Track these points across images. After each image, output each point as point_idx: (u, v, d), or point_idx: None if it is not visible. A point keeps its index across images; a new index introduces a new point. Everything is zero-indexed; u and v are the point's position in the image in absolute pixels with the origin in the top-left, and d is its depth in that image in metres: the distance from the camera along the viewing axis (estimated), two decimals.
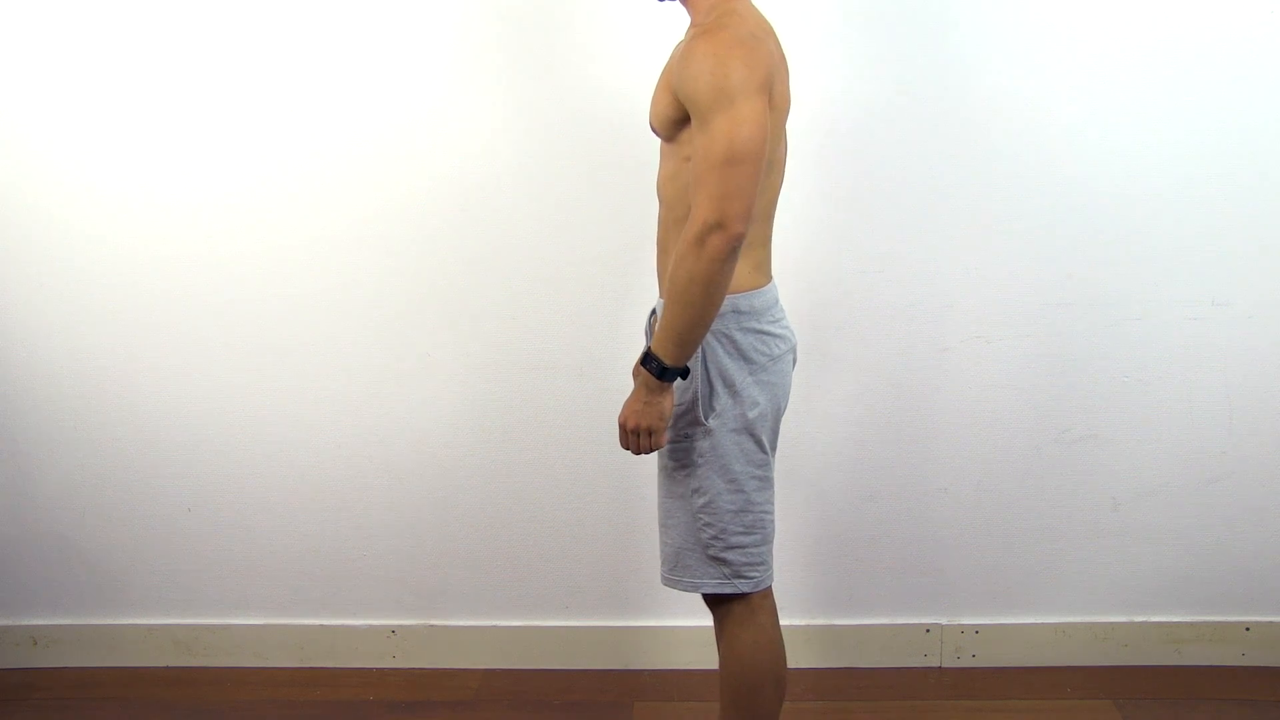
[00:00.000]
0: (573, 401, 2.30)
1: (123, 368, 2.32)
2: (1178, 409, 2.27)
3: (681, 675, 2.38)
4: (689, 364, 1.57)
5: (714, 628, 1.74)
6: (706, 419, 1.61)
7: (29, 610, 2.47)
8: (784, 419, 1.75)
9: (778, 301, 1.68)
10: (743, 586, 1.66)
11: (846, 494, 2.33)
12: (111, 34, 2.17)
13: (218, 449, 2.36)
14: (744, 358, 1.61)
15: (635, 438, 1.61)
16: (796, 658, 2.31)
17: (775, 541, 1.72)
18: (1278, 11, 2.09)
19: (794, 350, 1.71)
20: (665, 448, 1.66)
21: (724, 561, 1.65)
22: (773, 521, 1.70)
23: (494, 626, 2.42)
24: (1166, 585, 2.36)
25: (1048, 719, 2.21)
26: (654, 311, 1.73)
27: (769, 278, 1.67)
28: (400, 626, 2.43)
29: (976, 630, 2.38)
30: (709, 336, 1.59)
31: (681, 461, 1.64)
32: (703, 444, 1.62)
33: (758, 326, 1.62)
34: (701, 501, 1.64)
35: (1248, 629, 2.37)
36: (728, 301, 1.58)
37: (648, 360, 1.54)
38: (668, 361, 1.53)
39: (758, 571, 1.67)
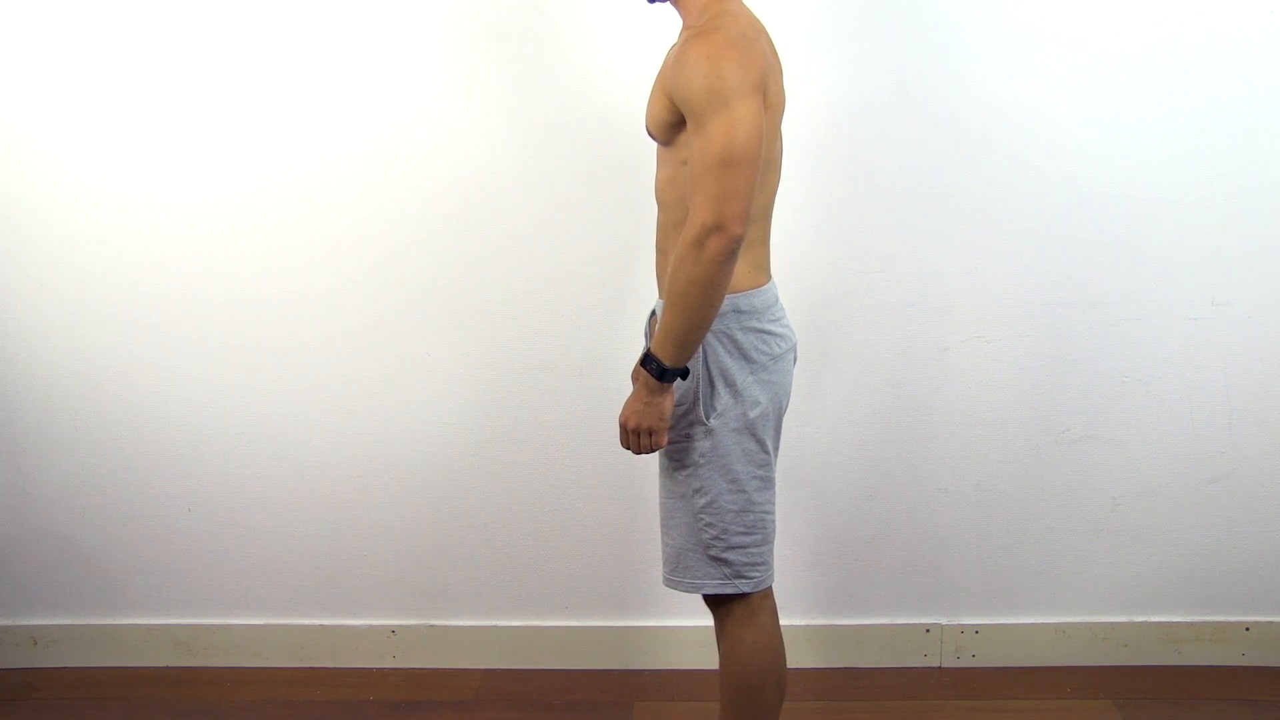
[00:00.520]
0: (573, 401, 2.30)
1: (123, 368, 2.32)
2: (1178, 409, 2.27)
3: (681, 675, 2.38)
4: (689, 365, 1.58)
5: (714, 628, 1.74)
6: (708, 419, 1.61)
7: (29, 610, 2.47)
8: (784, 419, 1.75)
9: (778, 300, 1.68)
10: (744, 587, 1.66)
11: (846, 494, 2.33)
12: (112, 35, 2.17)
13: (218, 449, 2.36)
14: (745, 357, 1.61)
15: (636, 438, 1.61)
16: (796, 658, 2.31)
17: (775, 541, 1.72)
18: (1278, 11, 2.09)
19: (794, 349, 1.71)
20: (666, 448, 1.66)
21: (725, 562, 1.65)
22: (773, 521, 1.70)
23: (494, 626, 2.42)
24: (1166, 585, 2.36)
25: (1048, 719, 2.21)
26: (654, 313, 1.73)
27: (769, 277, 1.67)
28: (400, 626, 2.43)
29: (976, 630, 2.38)
30: (710, 336, 1.59)
31: (683, 461, 1.64)
32: (704, 444, 1.62)
33: (758, 326, 1.62)
34: (703, 501, 1.64)
35: (1248, 629, 2.37)
36: (728, 301, 1.59)
37: (647, 361, 1.54)
38: (667, 363, 1.53)
39: (758, 572, 1.67)
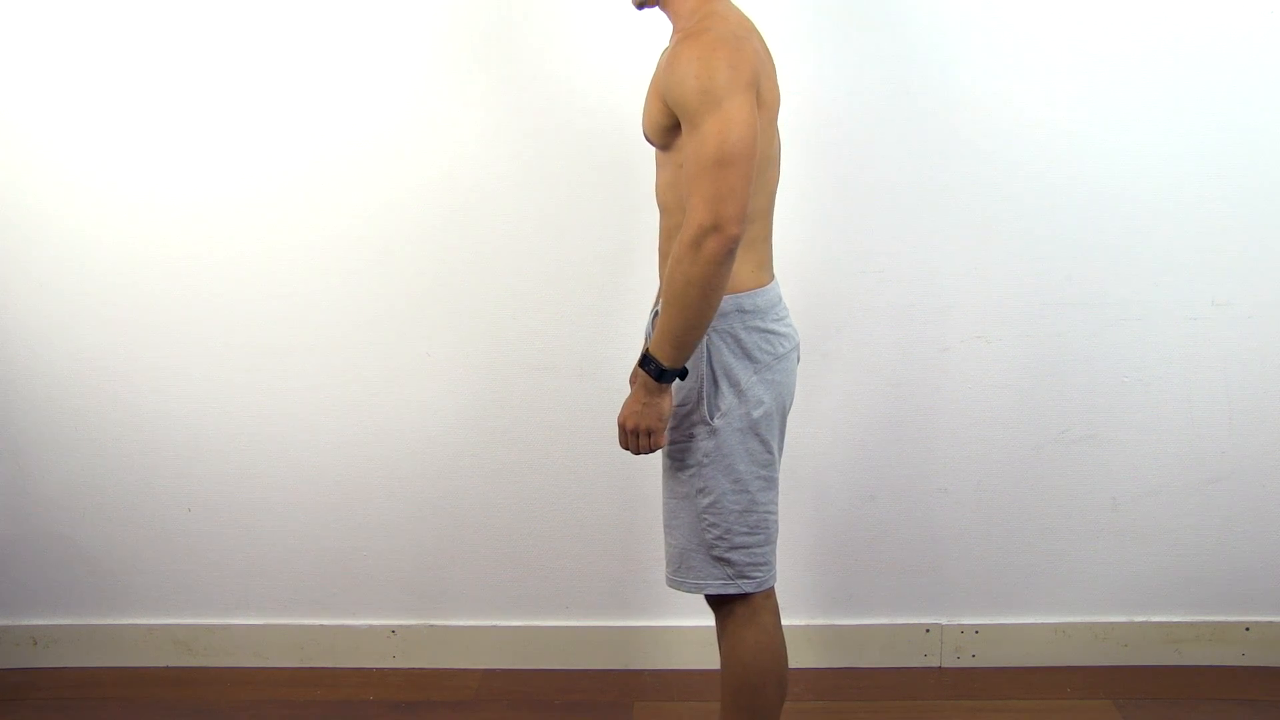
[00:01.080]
0: (573, 401, 2.30)
1: (123, 368, 2.32)
2: (1178, 409, 2.27)
3: (681, 675, 2.38)
4: (688, 365, 1.58)
5: (716, 628, 1.74)
6: (712, 418, 1.60)
7: (29, 610, 2.47)
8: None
9: (781, 300, 1.68)
10: (746, 587, 1.66)
11: (846, 494, 2.33)
12: (113, 35, 2.17)
13: (218, 449, 2.36)
14: (748, 357, 1.61)
15: (635, 438, 1.61)
16: (797, 658, 2.31)
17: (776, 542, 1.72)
18: (1278, 11, 2.09)
19: (798, 348, 1.71)
20: (670, 448, 1.66)
21: (728, 562, 1.65)
22: (776, 522, 1.70)
23: (494, 626, 2.42)
24: (1166, 585, 2.36)
25: (1048, 719, 2.21)
26: (656, 313, 1.73)
27: (771, 276, 1.67)
28: (400, 626, 2.43)
29: (976, 630, 2.38)
30: (714, 336, 1.59)
31: (686, 462, 1.64)
32: (707, 444, 1.62)
33: (762, 325, 1.62)
34: (706, 501, 1.64)
35: (1248, 629, 2.37)
36: (731, 301, 1.59)
37: (646, 362, 1.55)
38: (666, 363, 1.53)
39: (761, 572, 1.67)
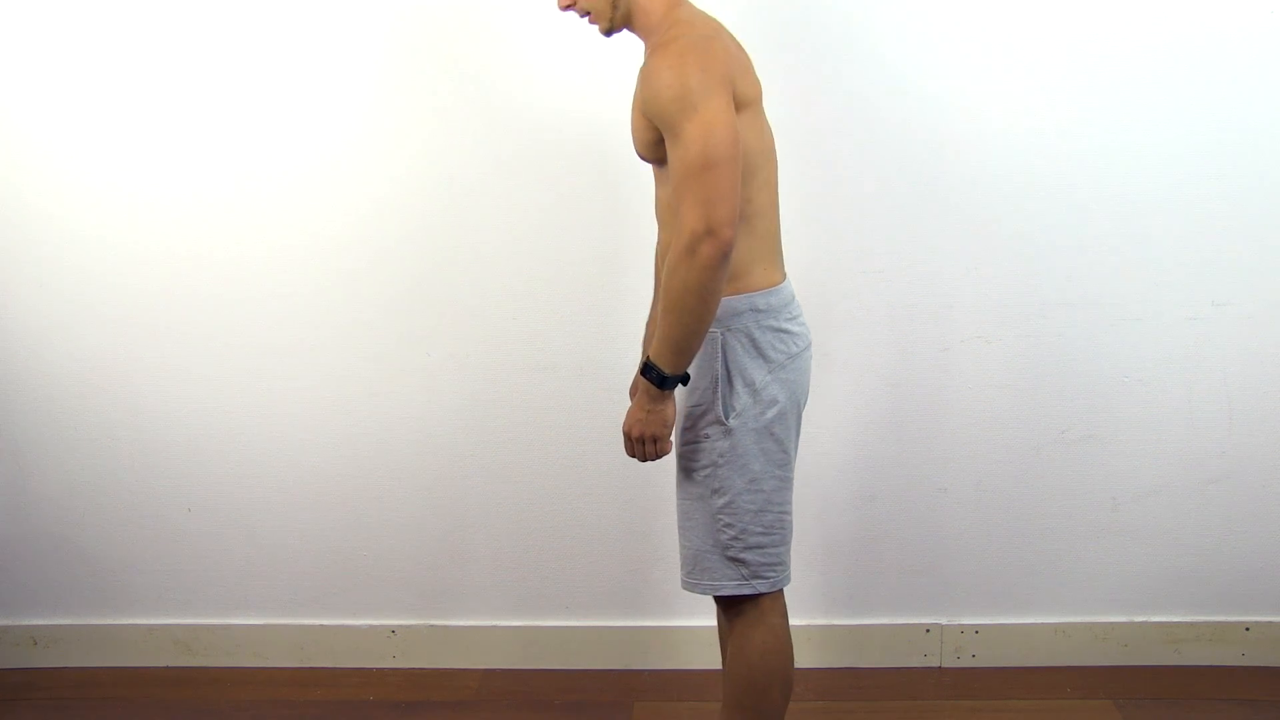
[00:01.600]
0: (573, 401, 2.30)
1: (123, 368, 2.32)
2: (1178, 409, 2.27)
3: (681, 675, 2.38)
4: (700, 366, 1.58)
5: (718, 626, 1.74)
6: (727, 419, 1.60)
7: (29, 610, 2.47)
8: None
9: (794, 298, 1.68)
10: (760, 587, 1.66)
11: (846, 494, 2.33)
12: (113, 35, 2.17)
13: (218, 449, 2.36)
14: (763, 356, 1.61)
15: (640, 446, 1.61)
16: (797, 657, 2.28)
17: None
18: (1278, 11, 2.09)
19: (810, 347, 1.70)
20: (684, 449, 1.66)
21: (742, 562, 1.64)
22: (791, 522, 1.69)
23: (494, 626, 2.42)
24: (1166, 585, 2.36)
25: (1048, 719, 2.21)
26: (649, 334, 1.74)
27: (784, 275, 1.67)
28: (400, 626, 2.43)
29: (976, 630, 2.38)
30: (728, 336, 1.59)
31: (701, 462, 1.64)
32: (722, 444, 1.61)
33: (776, 324, 1.62)
34: (721, 502, 1.63)
35: (1248, 629, 2.37)
36: (745, 300, 1.59)
37: (648, 370, 1.55)
38: (667, 370, 1.53)
39: (775, 572, 1.67)
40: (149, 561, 2.43)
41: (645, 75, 1.52)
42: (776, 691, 1.69)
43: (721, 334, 1.59)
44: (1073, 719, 2.20)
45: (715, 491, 1.63)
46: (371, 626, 2.44)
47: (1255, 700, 2.26)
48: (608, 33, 1.65)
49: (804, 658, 2.39)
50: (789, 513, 1.68)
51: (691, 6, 1.61)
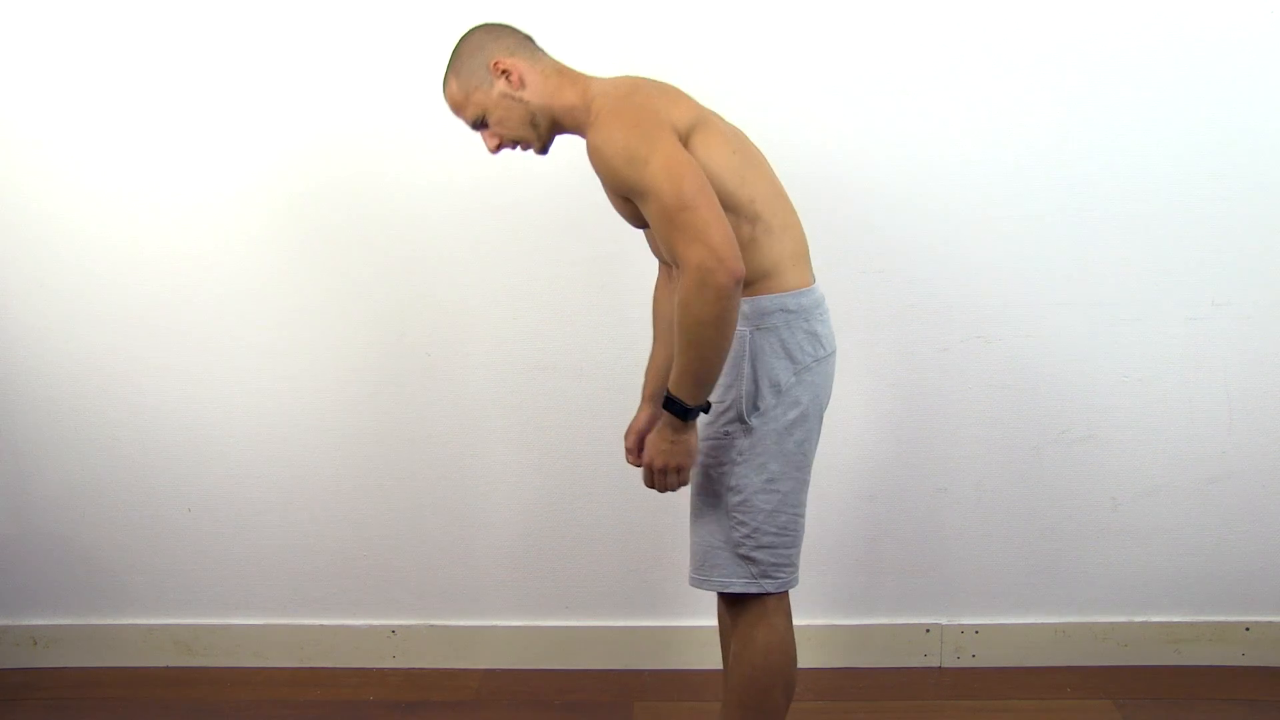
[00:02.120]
0: (573, 401, 2.30)
1: (123, 368, 2.32)
2: (1178, 409, 2.27)
3: (681, 675, 2.38)
4: (722, 375, 1.57)
5: (718, 626, 1.74)
6: (750, 417, 1.60)
7: (29, 610, 2.47)
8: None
9: (823, 302, 1.68)
10: (768, 587, 1.66)
11: (846, 494, 2.33)
12: (113, 36, 2.17)
13: (218, 449, 2.36)
14: (790, 358, 1.60)
15: (664, 476, 1.61)
16: (798, 658, 2.30)
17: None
18: (1278, 11, 2.09)
19: (835, 353, 1.69)
20: (704, 444, 1.65)
21: (753, 560, 1.65)
22: (804, 526, 1.69)
23: (494, 626, 2.42)
24: (1166, 585, 2.36)
25: (1048, 719, 2.21)
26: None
27: (813, 278, 1.67)
28: (400, 626, 2.43)
29: (976, 630, 2.38)
30: (757, 335, 1.59)
31: (719, 459, 1.64)
32: (742, 442, 1.62)
33: (806, 326, 1.62)
34: (736, 500, 1.63)
35: (1248, 629, 2.37)
36: (775, 300, 1.59)
37: (670, 404, 1.54)
38: (690, 402, 1.53)
39: (784, 573, 1.67)
40: (149, 561, 2.43)
41: (592, 157, 1.55)
42: (779, 692, 1.69)
43: (750, 332, 1.59)
44: (1073, 719, 2.20)
45: (731, 489, 1.63)
46: (371, 626, 2.44)
47: (1255, 700, 2.26)
48: (543, 150, 1.70)
49: (804, 657, 2.37)
50: (803, 516, 1.68)
51: (601, 80, 1.65)
